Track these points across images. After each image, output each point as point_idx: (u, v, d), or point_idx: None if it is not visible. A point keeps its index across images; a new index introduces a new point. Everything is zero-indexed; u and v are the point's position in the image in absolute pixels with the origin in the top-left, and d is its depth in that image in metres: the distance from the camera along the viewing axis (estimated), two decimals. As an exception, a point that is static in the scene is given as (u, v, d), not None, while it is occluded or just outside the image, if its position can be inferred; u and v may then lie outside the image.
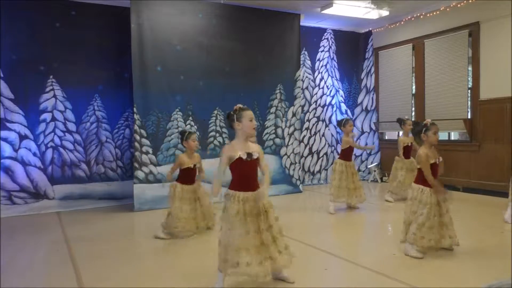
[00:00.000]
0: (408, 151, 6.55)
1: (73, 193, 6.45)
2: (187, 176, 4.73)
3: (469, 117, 7.30)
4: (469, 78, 7.34)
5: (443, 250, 3.93)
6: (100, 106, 6.67)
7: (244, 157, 2.99)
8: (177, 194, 4.64)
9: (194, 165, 4.76)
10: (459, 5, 7.23)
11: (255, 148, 3.10)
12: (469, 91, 7.34)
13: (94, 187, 6.62)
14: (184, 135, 4.77)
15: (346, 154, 5.93)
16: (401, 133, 6.92)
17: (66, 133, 6.45)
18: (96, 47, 6.59)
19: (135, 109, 6.31)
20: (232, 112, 3.09)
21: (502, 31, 6.73)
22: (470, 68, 7.32)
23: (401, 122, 6.63)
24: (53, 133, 6.36)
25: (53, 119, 6.36)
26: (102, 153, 6.71)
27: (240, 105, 3.10)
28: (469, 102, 7.35)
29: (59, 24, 6.33)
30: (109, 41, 6.69)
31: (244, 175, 3.03)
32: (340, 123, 6.04)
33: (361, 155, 9.15)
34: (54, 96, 6.35)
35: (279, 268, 3.12)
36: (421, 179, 3.85)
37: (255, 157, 3.04)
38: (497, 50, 6.82)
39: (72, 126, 6.49)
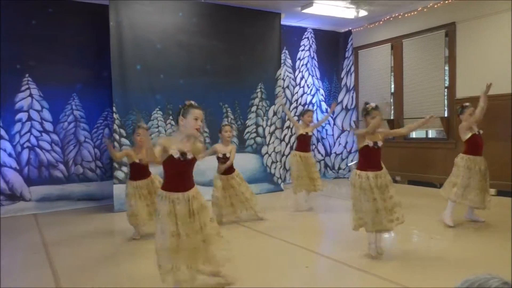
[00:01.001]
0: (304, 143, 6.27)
1: (50, 195, 6.32)
2: (136, 170, 4.65)
3: (446, 115, 7.46)
4: (445, 77, 7.49)
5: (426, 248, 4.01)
6: (78, 106, 6.55)
7: (176, 155, 2.77)
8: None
9: (140, 160, 4.52)
10: (436, 6, 7.37)
11: (190, 147, 2.86)
12: (446, 90, 7.50)
13: (72, 188, 6.50)
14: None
15: (301, 145, 5.98)
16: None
17: (43, 133, 6.32)
18: (74, 46, 6.46)
19: (114, 108, 6.22)
20: (180, 106, 2.90)
21: (477, 31, 6.89)
22: (446, 68, 7.47)
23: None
24: (29, 133, 6.22)
25: (29, 118, 6.21)
26: (81, 153, 6.60)
27: (192, 102, 2.89)
28: (446, 101, 7.51)
29: (36, 22, 6.18)
30: (87, 39, 6.57)
31: (176, 174, 2.83)
32: (300, 114, 6.24)
33: (341, 153, 9.25)
34: (30, 95, 6.21)
35: (215, 272, 3.06)
36: (361, 164, 3.77)
37: (189, 157, 2.83)
38: (473, 49, 6.98)
39: (49, 126, 6.36)
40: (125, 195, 4.71)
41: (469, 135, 4.76)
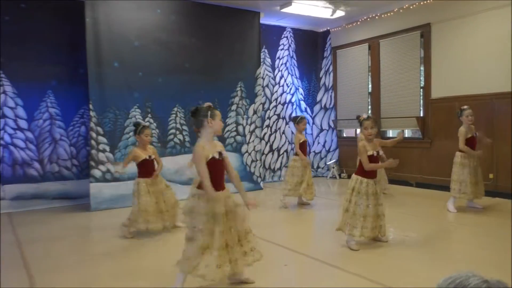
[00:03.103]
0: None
1: (25, 193, 6.18)
2: (146, 168, 4.68)
3: (421, 115, 7.62)
4: (421, 78, 7.65)
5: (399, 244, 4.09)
6: (53, 103, 6.42)
7: (217, 156, 2.94)
8: (142, 189, 4.58)
9: (150, 156, 4.70)
10: (411, 7, 7.52)
11: (221, 147, 3.07)
12: (421, 90, 7.65)
13: (47, 186, 6.37)
14: (137, 128, 4.73)
15: (304, 151, 6.00)
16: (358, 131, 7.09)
17: (17, 131, 6.17)
18: (49, 41, 6.33)
19: (91, 106, 6.13)
20: (205, 107, 2.98)
21: (452, 32, 7.06)
22: (422, 68, 7.63)
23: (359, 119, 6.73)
24: (2, 131, 6.07)
25: (3, 116, 6.06)
26: (56, 151, 6.47)
27: (209, 104, 3.03)
28: (421, 101, 7.66)
29: (8, 18, 6.04)
30: (62, 35, 6.44)
31: (215, 174, 2.92)
32: (295, 120, 6.11)
33: (320, 152, 9.34)
34: (4, 92, 6.06)
35: (240, 269, 3.03)
36: (360, 171, 3.99)
37: (224, 155, 3.01)
38: (447, 51, 7.15)
39: (23, 124, 6.22)
40: (132, 192, 4.66)
41: (468, 136, 5.38)
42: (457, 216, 5.30)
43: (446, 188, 6.19)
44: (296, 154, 5.95)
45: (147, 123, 4.96)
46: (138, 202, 4.55)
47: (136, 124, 4.84)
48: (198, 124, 3.00)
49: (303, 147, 6.00)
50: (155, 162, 4.80)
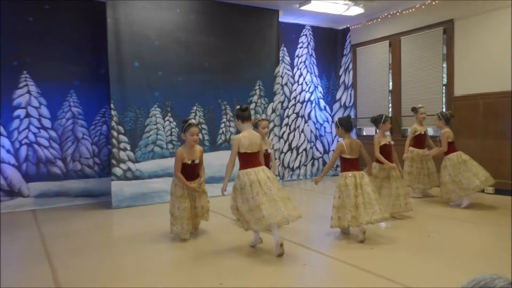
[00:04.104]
0: (420, 140, 6.25)
1: (48, 191, 6.33)
2: (186, 173, 4.32)
3: (444, 113, 7.46)
4: (443, 75, 7.50)
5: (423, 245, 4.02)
6: (76, 102, 6.55)
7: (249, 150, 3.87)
8: (179, 192, 4.31)
9: (193, 161, 4.33)
10: (434, 3, 7.38)
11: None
12: (443, 87, 7.51)
13: (70, 184, 6.50)
14: (184, 125, 4.33)
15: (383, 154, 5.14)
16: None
17: (41, 130, 6.32)
18: (71, 42, 6.45)
19: (112, 105, 6.22)
20: (239, 109, 4.05)
21: (475, 28, 6.89)
22: (444, 65, 7.48)
23: (414, 110, 6.36)
24: (27, 130, 6.22)
25: (28, 115, 6.21)
26: (79, 149, 6.60)
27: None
28: (443, 99, 7.52)
29: (33, 19, 6.18)
30: (84, 35, 6.56)
31: (250, 159, 3.86)
32: (378, 120, 5.15)
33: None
34: (28, 92, 6.21)
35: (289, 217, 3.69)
36: (342, 168, 4.33)
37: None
38: (471, 47, 6.99)
39: (47, 123, 6.36)
40: (171, 194, 4.40)
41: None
42: (479, 215, 5.18)
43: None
44: (377, 160, 5.09)
45: (195, 120, 4.45)
46: (173, 206, 4.33)
47: (184, 121, 4.40)
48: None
49: (385, 151, 5.08)
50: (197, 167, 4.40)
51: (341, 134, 4.37)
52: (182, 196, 4.32)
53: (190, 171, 4.37)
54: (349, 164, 4.27)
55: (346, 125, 4.32)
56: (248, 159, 3.84)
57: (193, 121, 4.36)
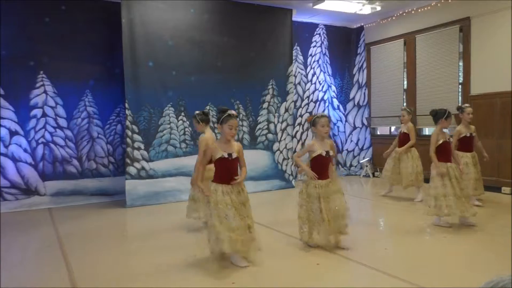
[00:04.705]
0: (466, 143, 5.62)
1: (64, 189, 6.42)
2: (222, 170, 3.54)
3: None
4: (460, 73, 7.39)
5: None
6: (91, 102, 6.63)
7: (324, 154, 3.97)
8: (220, 199, 3.44)
9: (231, 155, 3.52)
10: (450, 1, 7.27)
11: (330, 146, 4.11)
12: (460, 86, 7.40)
13: (86, 183, 6.59)
14: (220, 117, 3.58)
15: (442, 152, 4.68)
16: (392, 128, 6.88)
17: (57, 129, 6.41)
18: (87, 42, 6.53)
19: (126, 105, 6.28)
20: (312, 116, 4.05)
21: (492, 26, 6.77)
22: (461, 63, 7.37)
23: (460, 110, 5.71)
24: (44, 129, 6.31)
25: (44, 115, 6.31)
26: (94, 149, 6.68)
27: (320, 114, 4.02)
28: (460, 97, 7.40)
29: (49, 19, 6.27)
30: (100, 36, 6.63)
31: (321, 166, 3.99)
32: (439, 115, 4.68)
33: (353, 150, 9.20)
34: (45, 91, 6.30)
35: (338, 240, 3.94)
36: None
37: (331, 154, 4.03)
38: (487, 45, 6.87)
39: (63, 122, 6.45)
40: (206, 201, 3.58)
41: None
42: (500, 217, 5.09)
43: (488, 188, 5.99)
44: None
45: (234, 111, 3.63)
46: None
47: (220, 111, 3.62)
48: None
49: (444, 149, 4.64)
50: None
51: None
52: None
53: (228, 166, 3.53)
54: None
55: None
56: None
57: (233, 112, 3.59)
